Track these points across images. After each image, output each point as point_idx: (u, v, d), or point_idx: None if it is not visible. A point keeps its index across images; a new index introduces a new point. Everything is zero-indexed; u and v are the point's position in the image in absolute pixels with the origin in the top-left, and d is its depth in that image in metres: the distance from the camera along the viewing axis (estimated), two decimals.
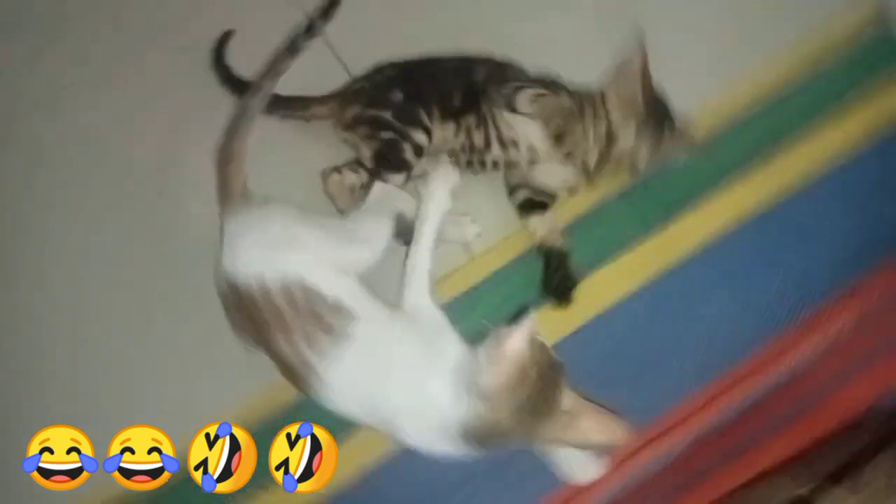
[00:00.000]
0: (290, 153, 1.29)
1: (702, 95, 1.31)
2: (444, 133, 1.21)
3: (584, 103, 1.18)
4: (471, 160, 1.22)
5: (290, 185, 1.23)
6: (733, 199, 1.28)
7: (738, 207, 1.28)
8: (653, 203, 1.28)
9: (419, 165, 1.19)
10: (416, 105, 1.18)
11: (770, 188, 1.29)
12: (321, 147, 1.27)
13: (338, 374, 0.94)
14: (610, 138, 1.17)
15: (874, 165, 1.30)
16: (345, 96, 1.25)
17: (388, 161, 1.17)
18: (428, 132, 1.18)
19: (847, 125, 1.33)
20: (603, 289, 1.23)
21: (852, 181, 1.29)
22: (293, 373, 0.96)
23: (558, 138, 1.16)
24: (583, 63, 1.20)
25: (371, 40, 1.33)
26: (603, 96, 1.18)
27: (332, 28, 1.26)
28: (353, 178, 1.19)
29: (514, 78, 1.20)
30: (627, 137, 1.17)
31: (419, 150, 1.18)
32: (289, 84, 1.19)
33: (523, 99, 1.16)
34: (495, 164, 1.23)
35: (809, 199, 1.27)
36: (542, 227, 1.23)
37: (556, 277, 1.21)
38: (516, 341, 0.86)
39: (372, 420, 0.98)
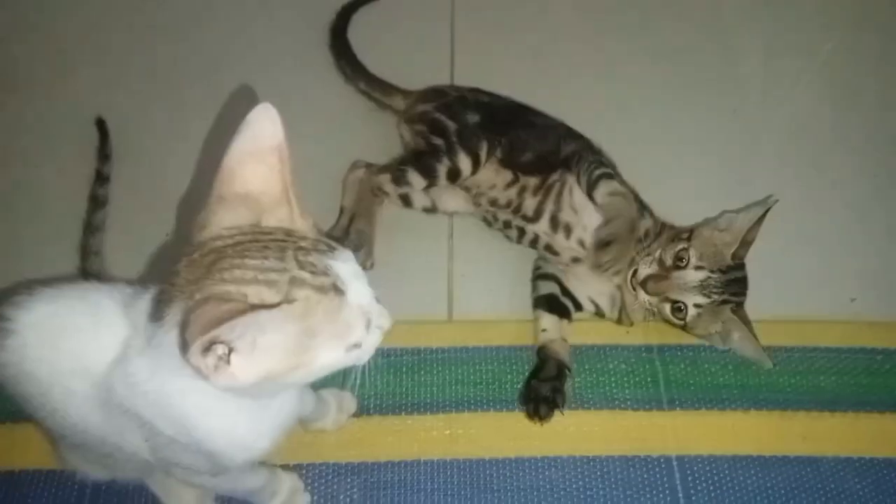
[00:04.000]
0: (338, 127, 1.26)
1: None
2: (496, 178, 1.11)
3: (662, 231, 1.06)
4: (509, 222, 1.10)
5: (321, 158, 1.17)
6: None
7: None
8: (688, 379, 1.04)
9: (444, 189, 1.13)
10: (482, 134, 1.10)
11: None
12: (370, 138, 1.23)
13: None
14: (677, 264, 0.99)
15: None
16: (425, 93, 1.21)
17: (420, 163, 1.10)
18: (476, 163, 1.10)
19: None
20: (574, 434, 1.00)
21: None
22: None
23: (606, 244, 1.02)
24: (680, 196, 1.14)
25: (493, 65, 1.32)
26: (691, 234, 1.02)
27: (462, 32, 1.35)
28: (383, 182, 1.12)
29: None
30: (692, 279, 0.98)
31: (454, 174, 1.09)
32: (388, 64, 1.26)
33: (606, 188, 1.04)
34: (534, 241, 1.10)
35: None
36: (555, 330, 1.03)
37: (544, 387, 0.99)
38: None
39: None
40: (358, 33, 1.33)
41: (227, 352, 0.53)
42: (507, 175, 1.10)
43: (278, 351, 0.55)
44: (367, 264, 1.07)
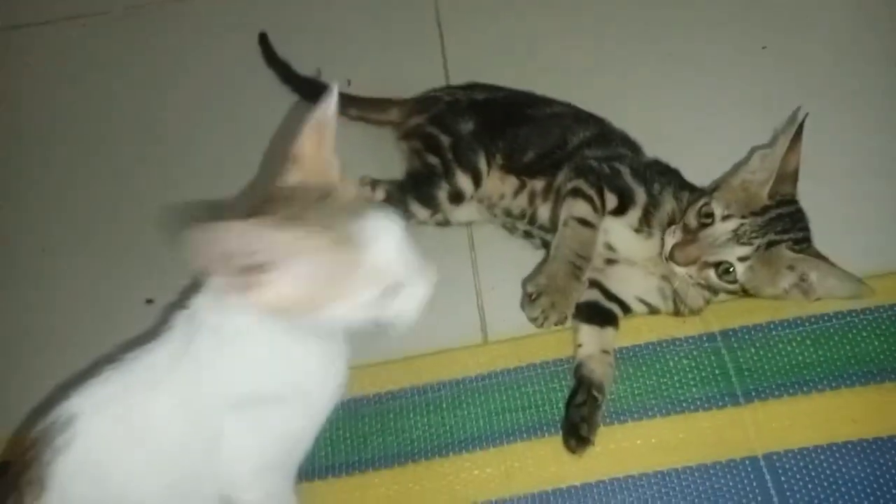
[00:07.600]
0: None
1: None
2: (502, 187, 1.01)
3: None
4: (529, 232, 1.00)
5: None
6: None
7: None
8: (762, 365, 0.92)
9: (453, 210, 1.03)
10: (480, 144, 1.01)
11: None
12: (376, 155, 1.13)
13: None
14: (702, 223, 0.87)
15: None
16: (418, 102, 1.12)
17: (418, 189, 1.01)
18: (477, 179, 1.01)
19: None
20: (642, 448, 0.89)
21: None
22: None
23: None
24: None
25: (486, 57, 1.22)
26: (716, 187, 0.92)
27: (451, 29, 1.26)
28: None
29: (618, 156, 0.98)
30: (722, 230, 0.86)
31: (457, 196, 1.01)
32: (382, 77, 1.19)
33: (570, 210, 0.93)
34: None
35: None
36: (592, 343, 0.93)
37: (576, 413, 0.89)
38: None
39: None
40: (345, 50, 1.26)
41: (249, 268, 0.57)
42: (514, 181, 1.00)
43: (292, 280, 0.58)
44: None
